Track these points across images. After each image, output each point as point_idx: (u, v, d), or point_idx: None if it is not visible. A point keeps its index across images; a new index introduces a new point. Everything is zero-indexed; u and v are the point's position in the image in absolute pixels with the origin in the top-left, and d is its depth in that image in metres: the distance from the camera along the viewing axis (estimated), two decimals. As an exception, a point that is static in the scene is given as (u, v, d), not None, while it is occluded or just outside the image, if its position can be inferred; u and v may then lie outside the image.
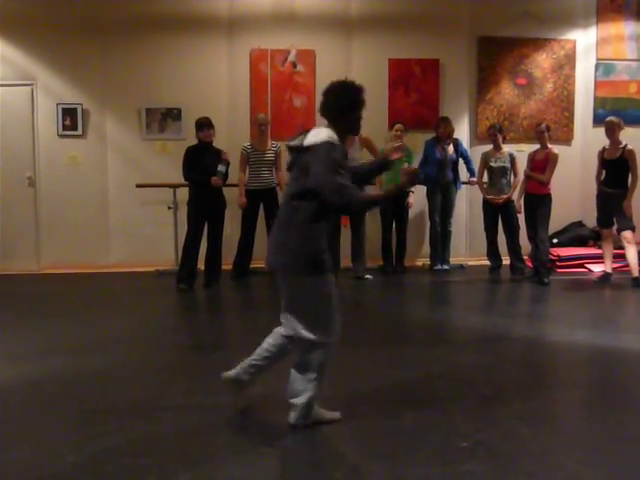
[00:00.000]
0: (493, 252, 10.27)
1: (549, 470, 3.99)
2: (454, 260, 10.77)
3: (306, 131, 4.45)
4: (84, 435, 4.43)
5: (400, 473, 3.93)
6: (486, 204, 10.17)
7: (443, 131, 10.29)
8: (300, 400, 4.44)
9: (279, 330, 4.61)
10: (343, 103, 4.46)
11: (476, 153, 10.76)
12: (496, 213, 10.10)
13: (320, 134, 4.32)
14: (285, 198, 4.49)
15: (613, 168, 9.46)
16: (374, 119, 10.40)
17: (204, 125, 9.14)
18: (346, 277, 9.86)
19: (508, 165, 9.98)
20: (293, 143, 4.44)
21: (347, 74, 10.54)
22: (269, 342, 4.64)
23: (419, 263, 10.94)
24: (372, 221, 10.42)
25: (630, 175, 9.38)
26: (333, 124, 4.44)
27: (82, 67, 10.60)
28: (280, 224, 4.44)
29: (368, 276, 9.91)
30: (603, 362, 6.26)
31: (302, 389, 4.43)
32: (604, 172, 9.64)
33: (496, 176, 10.03)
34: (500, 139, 10.05)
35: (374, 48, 10.97)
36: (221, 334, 7.29)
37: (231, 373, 4.69)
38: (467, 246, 11.39)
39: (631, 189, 9.40)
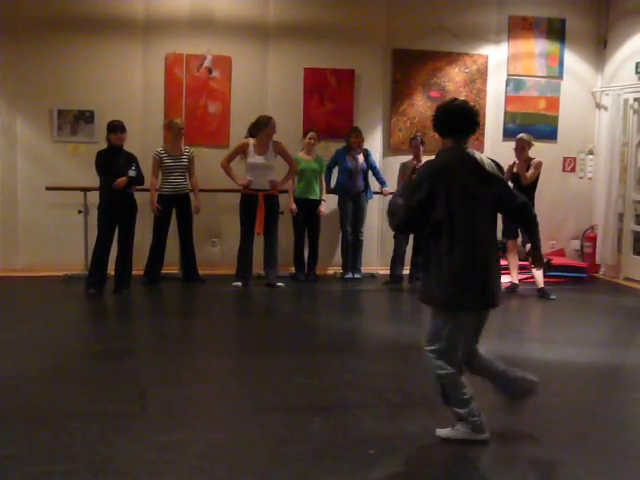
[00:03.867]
0: (401, 262, 10.30)
1: (453, 476, 4.07)
2: (365, 269, 10.81)
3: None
4: (-14, 443, 4.34)
5: (307, 480, 3.97)
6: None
7: (354, 140, 10.34)
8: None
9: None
10: None
11: (389, 164, 10.90)
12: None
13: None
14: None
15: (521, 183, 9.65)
16: (288, 127, 10.44)
17: (116, 128, 9.01)
18: (258, 284, 9.84)
19: None
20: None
21: (263, 82, 10.75)
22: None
23: (331, 272, 10.98)
24: (284, 229, 10.41)
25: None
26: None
27: (-8, 66, 10.35)
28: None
29: (280, 284, 9.90)
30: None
31: None
32: (512, 186, 9.83)
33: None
34: (422, 151, 10.14)
35: (290, 56, 10.97)
36: (129, 341, 7.21)
37: None
38: (379, 255, 11.44)
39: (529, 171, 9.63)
